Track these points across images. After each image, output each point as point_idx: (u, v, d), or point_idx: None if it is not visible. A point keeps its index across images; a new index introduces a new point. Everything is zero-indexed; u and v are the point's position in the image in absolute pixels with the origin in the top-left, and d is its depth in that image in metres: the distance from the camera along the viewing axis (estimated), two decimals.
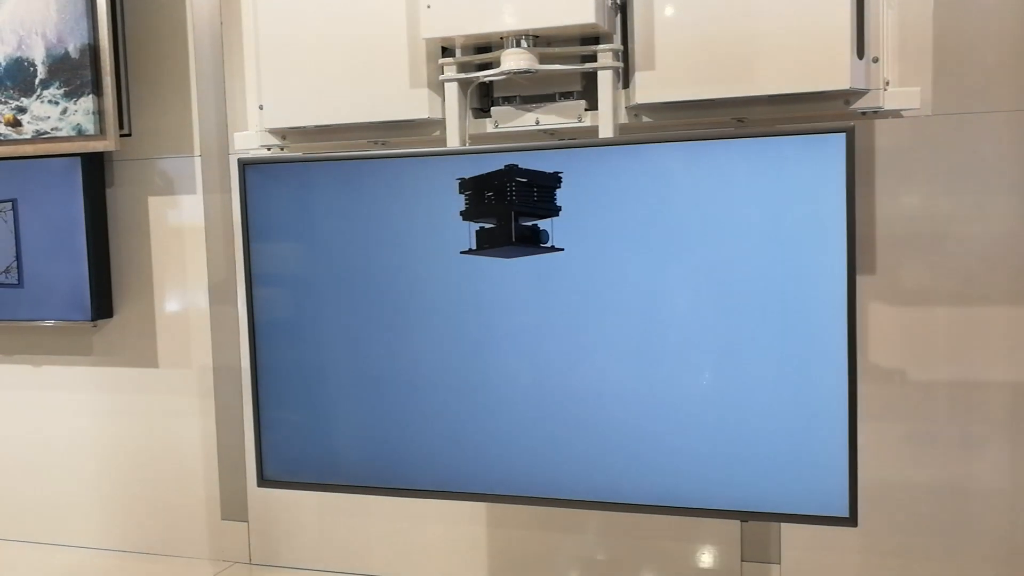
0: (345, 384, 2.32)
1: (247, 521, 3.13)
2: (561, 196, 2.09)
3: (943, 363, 2.45)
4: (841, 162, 1.90)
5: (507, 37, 2.15)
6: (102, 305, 3.15)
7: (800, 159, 1.94)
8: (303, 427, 2.37)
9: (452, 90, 2.25)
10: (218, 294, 3.08)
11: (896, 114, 2.16)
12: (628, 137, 2.16)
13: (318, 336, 2.33)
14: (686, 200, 2.02)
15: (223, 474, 3.14)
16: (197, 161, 3.07)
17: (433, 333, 2.22)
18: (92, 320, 3.12)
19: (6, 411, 3.40)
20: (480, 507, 2.85)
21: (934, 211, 2.43)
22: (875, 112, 2.13)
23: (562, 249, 2.08)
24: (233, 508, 3.14)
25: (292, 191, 2.31)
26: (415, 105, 2.27)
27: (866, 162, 2.45)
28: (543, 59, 2.17)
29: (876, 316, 2.47)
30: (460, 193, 2.14)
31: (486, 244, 2.13)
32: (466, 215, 2.14)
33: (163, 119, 3.08)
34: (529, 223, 2.09)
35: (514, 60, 2.14)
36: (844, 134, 1.90)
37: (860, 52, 2.04)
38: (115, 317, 3.20)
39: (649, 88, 2.14)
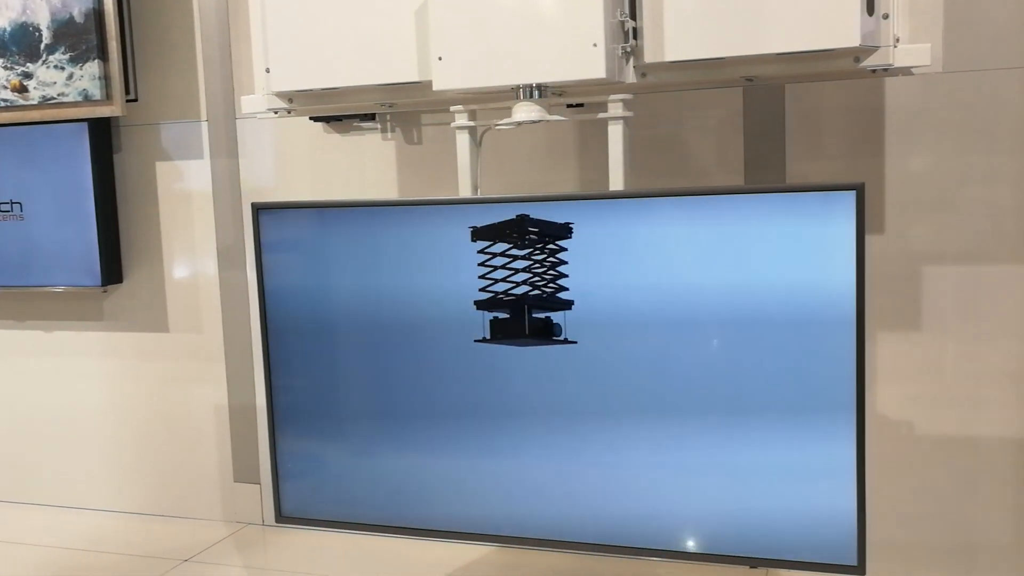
0: (363, 426, 2.38)
1: (259, 483, 3.16)
2: (570, 245, 2.10)
3: (951, 323, 2.45)
4: (851, 218, 1.89)
5: (517, 88, 2.15)
6: (112, 270, 3.16)
7: (810, 216, 1.94)
8: (321, 471, 2.44)
9: (463, 139, 2.26)
10: (227, 259, 3.09)
11: (906, 71, 2.15)
12: (638, 190, 2.16)
13: (335, 381, 2.37)
14: (693, 253, 2.03)
15: (235, 437, 3.17)
16: (204, 126, 3.06)
17: (447, 379, 2.25)
18: (102, 286, 3.13)
19: (19, 376, 3.43)
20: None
21: (943, 170, 2.42)
22: (885, 70, 2.11)
23: (575, 342, 2.11)
24: (245, 471, 3.18)
25: (304, 236, 2.35)
26: (423, 66, 2.26)
27: (875, 121, 2.44)
28: (552, 110, 2.19)
29: (883, 278, 2.47)
30: (473, 241, 2.16)
31: (500, 335, 2.17)
32: (481, 305, 2.17)
33: (169, 84, 3.08)
34: (542, 316, 2.13)
35: (525, 112, 2.15)
36: (854, 192, 1.89)
37: (870, 8, 2.02)
38: (125, 282, 3.21)
39: (657, 47, 2.13)
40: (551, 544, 2.25)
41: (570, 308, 2.11)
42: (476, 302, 2.17)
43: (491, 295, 2.16)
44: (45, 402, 3.41)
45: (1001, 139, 2.37)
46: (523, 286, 2.14)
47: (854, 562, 1.99)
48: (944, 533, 2.51)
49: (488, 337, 2.18)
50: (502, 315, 2.16)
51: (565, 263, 2.10)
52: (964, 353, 2.45)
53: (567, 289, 2.11)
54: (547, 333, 2.13)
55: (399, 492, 2.34)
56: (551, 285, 2.12)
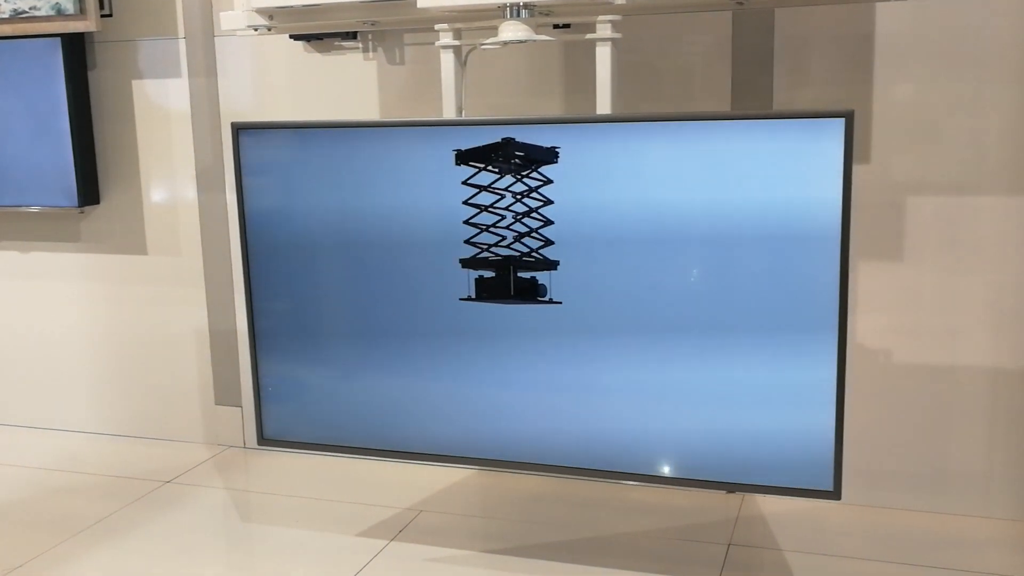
0: (344, 349, 2.37)
1: (240, 406, 3.16)
2: (556, 172, 2.07)
3: (932, 253, 2.46)
4: (839, 146, 1.87)
5: (504, 7, 2.09)
6: (89, 191, 3.11)
7: (798, 144, 1.91)
8: (302, 394, 2.44)
9: (448, 59, 2.20)
10: (206, 181, 3.04)
11: None
12: (626, 115, 2.12)
13: (317, 305, 2.36)
14: (680, 179, 2.00)
15: (215, 360, 3.17)
16: (181, 43, 2.99)
17: (429, 302, 2.24)
18: (79, 206, 3.09)
19: None
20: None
21: (931, 99, 2.40)
22: None
23: (560, 302, 2.10)
24: (226, 393, 3.18)
25: (285, 157, 2.31)
26: None
27: (865, 49, 2.41)
28: (539, 31, 2.13)
29: (867, 207, 2.46)
30: (457, 164, 2.13)
31: (485, 295, 2.16)
32: (466, 263, 2.15)
33: None
34: (527, 276, 2.11)
35: (511, 31, 2.10)
36: (843, 119, 1.87)
37: None
38: (102, 203, 3.17)
39: None
40: (530, 467, 2.27)
41: (555, 268, 2.10)
42: (461, 260, 2.17)
43: (476, 251, 2.15)
44: (22, 324, 3.38)
45: (990, 69, 2.34)
46: (508, 213, 2.12)
47: (830, 487, 2.02)
48: (919, 461, 2.55)
49: (473, 296, 2.17)
50: (487, 274, 2.15)
51: (551, 202, 2.09)
52: (944, 283, 2.46)
53: (552, 223, 2.09)
54: (532, 294, 2.12)
55: (380, 415, 2.35)
56: (537, 222, 2.10)
